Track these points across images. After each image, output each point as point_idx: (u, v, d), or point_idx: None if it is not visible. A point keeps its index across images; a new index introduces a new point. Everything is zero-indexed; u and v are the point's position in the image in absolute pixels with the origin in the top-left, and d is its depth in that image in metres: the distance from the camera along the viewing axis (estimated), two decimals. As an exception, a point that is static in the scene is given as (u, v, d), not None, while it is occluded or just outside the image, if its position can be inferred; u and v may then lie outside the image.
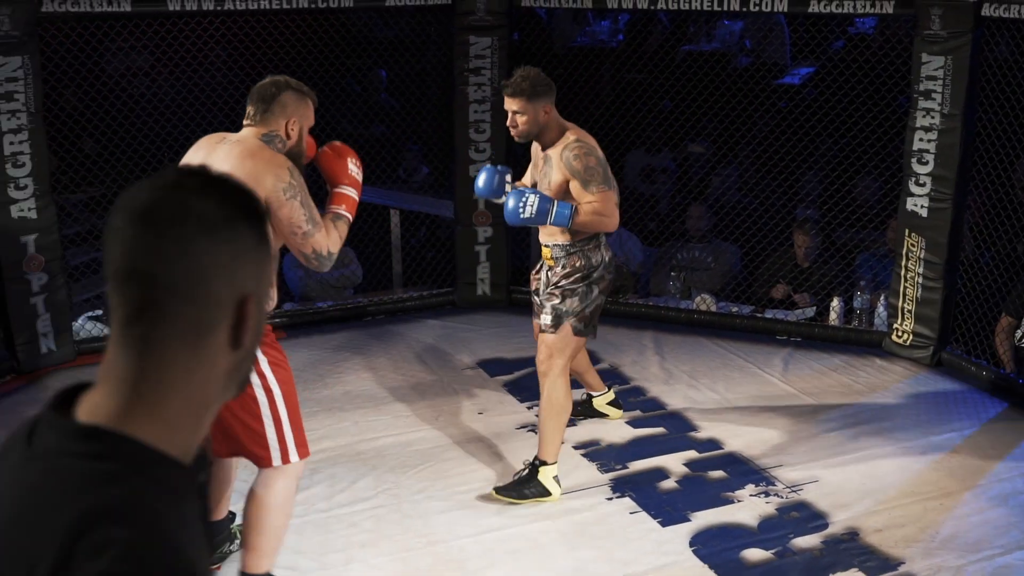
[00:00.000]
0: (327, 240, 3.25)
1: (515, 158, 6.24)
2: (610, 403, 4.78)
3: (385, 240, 6.46)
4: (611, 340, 5.71)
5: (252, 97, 3.28)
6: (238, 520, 3.71)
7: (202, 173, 1.14)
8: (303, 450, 3.35)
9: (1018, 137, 4.99)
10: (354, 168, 3.44)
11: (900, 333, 5.43)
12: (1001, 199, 5.21)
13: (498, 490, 4.08)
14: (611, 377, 5.23)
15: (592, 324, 4.12)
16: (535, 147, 4.17)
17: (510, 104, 3.97)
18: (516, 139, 4.08)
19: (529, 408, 4.87)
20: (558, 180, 3.98)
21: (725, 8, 5.59)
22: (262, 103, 3.24)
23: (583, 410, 4.75)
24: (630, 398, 5.02)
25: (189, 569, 1.03)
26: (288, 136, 3.26)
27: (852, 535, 3.85)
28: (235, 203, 1.13)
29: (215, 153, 3.21)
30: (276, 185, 3.11)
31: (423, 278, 6.45)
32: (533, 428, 4.67)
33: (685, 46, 7.69)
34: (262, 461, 3.31)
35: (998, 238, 5.24)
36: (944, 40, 5.03)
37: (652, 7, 5.73)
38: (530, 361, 5.38)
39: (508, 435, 4.63)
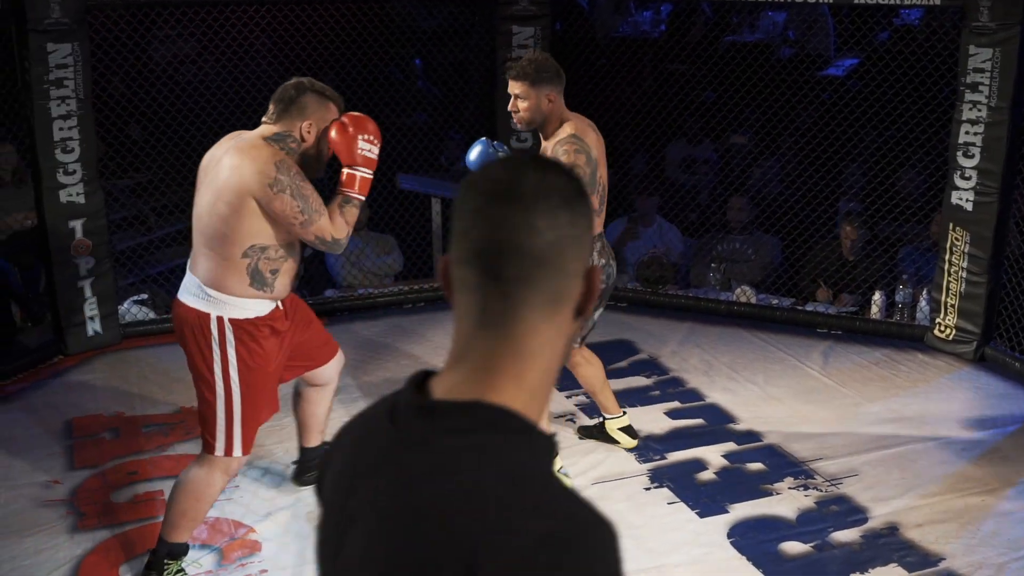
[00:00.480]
0: (330, 226, 3.27)
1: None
2: (623, 429, 4.43)
3: (426, 228, 6.47)
4: (651, 331, 5.69)
5: (274, 96, 3.31)
6: None
7: (540, 156, 1.20)
8: (245, 447, 3.42)
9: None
10: (365, 145, 3.35)
11: (943, 328, 5.37)
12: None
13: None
14: (650, 368, 5.22)
15: (583, 335, 3.96)
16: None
17: (512, 87, 3.82)
18: (517, 126, 3.90)
19: (568, 397, 4.87)
20: None
21: (770, -1, 5.54)
22: (281, 103, 3.28)
23: (595, 434, 4.49)
24: (669, 389, 5.01)
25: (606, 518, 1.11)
26: (303, 139, 3.27)
27: (892, 530, 3.81)
28: (578, 180, 1.19)
29: (219, 149, 3.30)
30: (261, 181, 3.13)
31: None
32: (572, 417, 4.67)
33: (728, 36, 7.63)
34: (207, 446, 3.42)
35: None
36: (992, 32, 4.96)
37: (696, -3, 5.69)
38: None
39: (547, 419, 4.64)
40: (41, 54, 4.90)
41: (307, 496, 4.03)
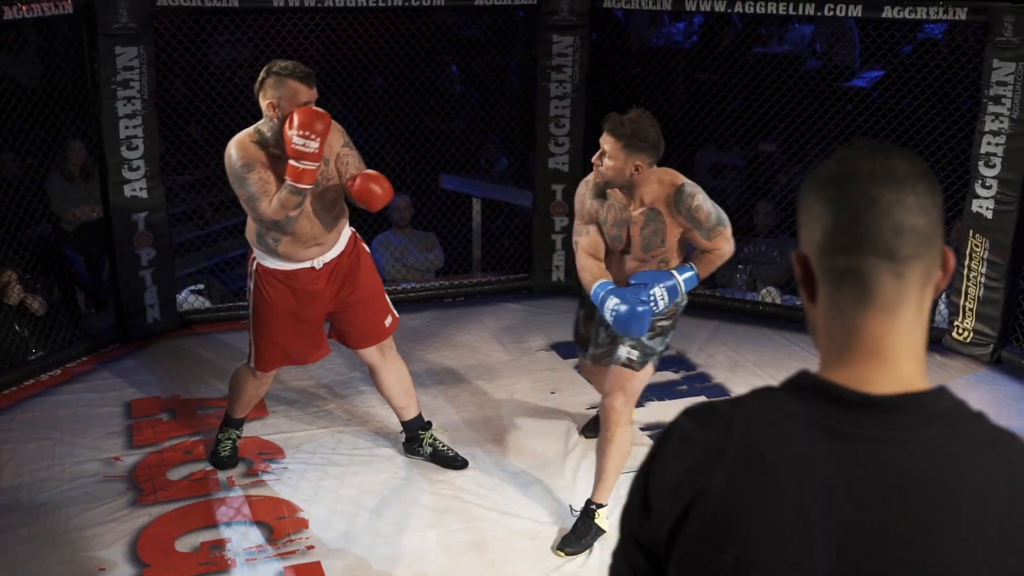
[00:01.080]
0: (269, 210, 3.50)
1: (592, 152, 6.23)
2: None
3: (466, 227, 6.49)
4: (679, 328, 5.64)
5: None
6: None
7: (880, 142, 1.17)
8: (259, 364, 3.90)
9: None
10: (299, 140, 3.37)
11: (961, 330, 5.31)
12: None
13: (564, 550, 3.59)
14: (678, 364, 5.21)
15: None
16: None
17: (604, 141, 3.45)
18: (598, 178, 3.52)
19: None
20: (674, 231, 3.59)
21: (800, 12, 5.50)
22: (257, 93, 3.52)
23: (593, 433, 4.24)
24: (696, 383, 4.99)
25: None
26: (273, 118, 3.48)
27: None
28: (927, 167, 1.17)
29: None
30: (229, 172, 3.56)
31: (500, 264, 6.47)
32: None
33: (757, 48, 7.59)
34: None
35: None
36: (1016, 47, 4.89)
37: (729, 10, 5.66)
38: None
39: (578, 415, 4.63)
40: (110, 57, 4.95)
41: (351, 478, 4.05)
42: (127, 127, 5.09)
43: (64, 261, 5.68)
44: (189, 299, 5.69)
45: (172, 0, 5.06)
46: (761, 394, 1.16)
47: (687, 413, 1.18)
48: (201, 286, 5.80)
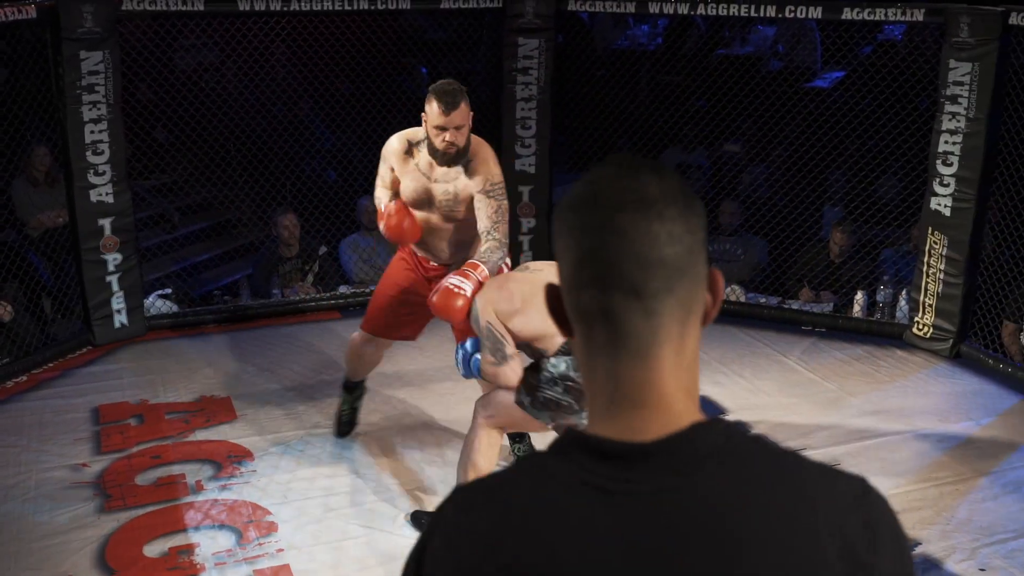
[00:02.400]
0: (375, 197, 3.93)
1: (558, 153, 6.24)
2: None
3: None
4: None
5: None
6: None
7: (634, 158, 1.02)
8: (363, 322, 4.14)
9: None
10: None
11: (921, 326, 5.37)
12: (1022, 200, 5.12)
13: None
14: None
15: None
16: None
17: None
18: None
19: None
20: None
21: (761, 14, 5.54)
22: None
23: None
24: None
25: None
26: (424, 130, 3.70)
27: (871, 516, 3.81)
28: (683, 181, 1.03)
29: None
30: None
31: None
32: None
33: (720, 50, 7.63)
34: None
35: (1018, 237, 5.16)
36: (972, 47, 4.95)
37: (691, 12, 5.69)
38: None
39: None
40: (74, 61, 4.90)
41: (321, 480, 4.04)
42: (92, 132, 5.05)
43: (29, 267, 5.61)
44: (157, 304, 5.64)
45: (137, 4, 5.03)
46: (528, 460, 1.04)
47: (453, 496, 1.04)
48: (168, 290, 5.75)
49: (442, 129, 3.59)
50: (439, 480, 4.02)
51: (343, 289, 6.02)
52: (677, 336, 1.00)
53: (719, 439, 0.98)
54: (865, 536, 0.97)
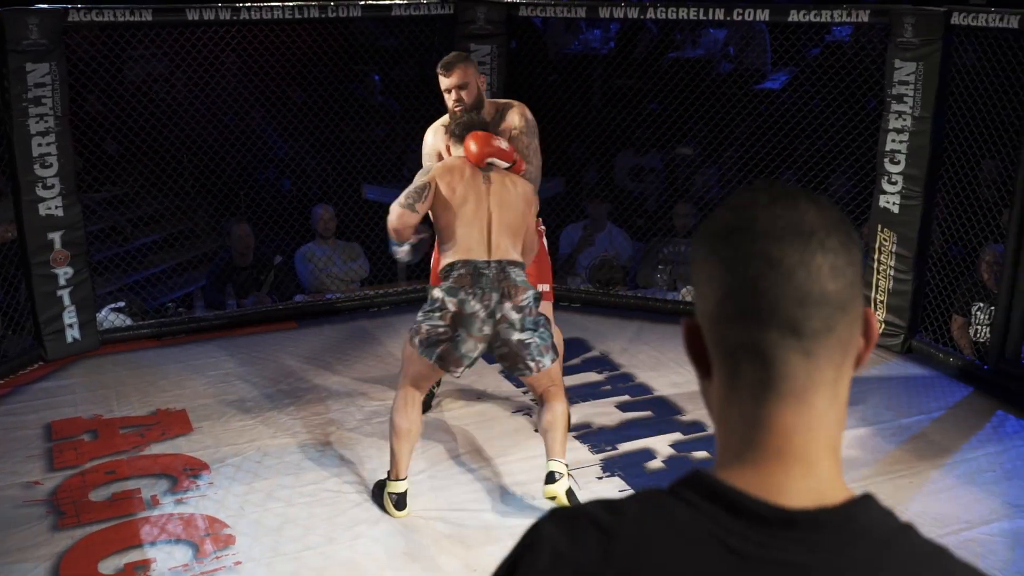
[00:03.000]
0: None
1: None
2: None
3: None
4: (602, 329, 5.72)
5: None
6: None
7: (786, 185, 0.97)
8: None
9: (983, 138, 4.99)
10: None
11: (873, 322, 5.43)
12: (968, 196, 5.21)
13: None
14: (602, 364, 5.24)
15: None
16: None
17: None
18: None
19: (525, 392, 4.87)
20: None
21: (711, 18, 5.59)
22: None
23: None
24: (620, 383, 5.03)
25: None
26: None
27: (828, 511, 3.84)
28: (841, 211, 0.96)
29: None
30: None
31: (426, 271, 6.43)
32: (529, 411, 4.67)
33: (672, 53, 7.67)
34: None
35: (964, 233, 5.24)
36: (916, 47, 5.03)
37: (642, 16, 5.73)
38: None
39: (505, 418, 4.64)
40: (20, 74, 4.83)
41: (278, 491, 4.00)
42: (40, 145, 4.97)
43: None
44: (110, 317, 5.57)
45: (84, 15, 4.96)
46: (647, 500, 0.93)
47: (555, 518, 0.93)
48: (122, 304, 5.68)
49: (447, 92, 4.07)
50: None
51: (299, 298, 5.98)
52: (832, 382, 0.91)
53: (875, 518, 0.90)
54: None
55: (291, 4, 5.45)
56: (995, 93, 4.94)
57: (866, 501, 0.91)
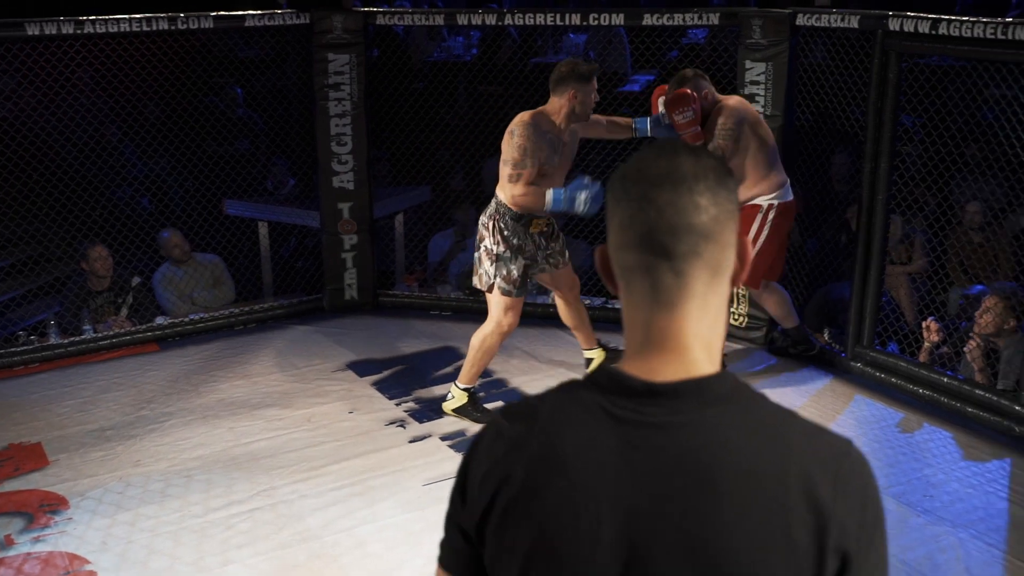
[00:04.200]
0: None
1: (375, 167, 6.19)
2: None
3: (254, 251, 6.32)
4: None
5: None
6: None
7: (680, 142, 1.23)
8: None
9: (832, 134, 5.19)
10: None
11: (736, 316, 5.58)
12: (820, 191, 5.40)
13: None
14: (475, 371, 5.24)
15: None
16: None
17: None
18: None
19: (397, 404, 4.83)
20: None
21: (568, 23, 5.66)
22: None
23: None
24: (493, 389, 5.03)
25: None
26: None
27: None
28: (722, 159, 1.24)
29: None
30: None
31: (294, 286, 6.34)
32: (402, 423, 4.64)
33: (534, 58, 7.74)
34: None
35: (819, 226, 5.43)
36: (765, 48, 5.19)
37: (500, 23, 5.76)
38: (398, 360, 5.36)
39: (377, 432, 4.59)
40: None
41: (143, 522, 3.86)
42: None
43: None
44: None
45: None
46: (564, 388, 1.22)
47: (503, 410, 1.25)
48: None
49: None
50: (265, 521, 3.90)
51: (160, 320, 5.79)
52: (702, 295, 1.18)
53: (724, 390, 1.15)
54: (830, 486, 1.11)
55: (139, 16, 5.29)
56: (841, 90, 5.14)
57: (723, 375, 1.17)
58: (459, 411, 4.65)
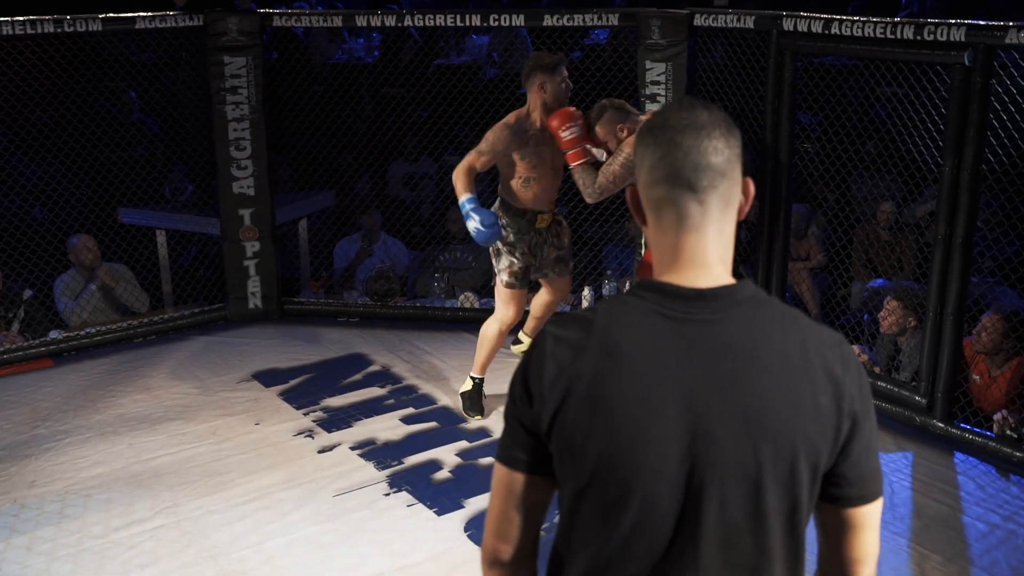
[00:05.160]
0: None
1: (275, 172, 6.10)
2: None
3: (153, 261, 6.16)
4: (382, 343, 5.67)
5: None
6: None
7: (699, 100, 1.48)
8: None
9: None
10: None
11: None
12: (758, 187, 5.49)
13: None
14: (384, 378, 5.20)
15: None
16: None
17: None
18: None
19: (305, 414, 4.76)
20: None
21: (468, 23, 5.65)
22: None
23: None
24: (403, 396, 5.00)
25: None
26: None
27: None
28: (728, 116, 1.48)
29: None
30: None
31: (195, 296, 6.19)
32: (311, 433, 4.57)
33: (437, 60, 7.72)
34: None
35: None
36: (664, 48, 5.26)
37: (399, 23, 5.72)
38: (305, 369, 5.28)
39: (285, 443, 4.51)
40: None
41: (39, 545, 3.72)
42: None
43: None
44: None
45: None
46: (612, 300, 1.49)
47: (553, 322, 1.47)
48: None
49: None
50: (169, 540, 3.81)
51: (54, 334, 5.60)
52: (718, 220, 1.45)
53: (748, 293, 1.45)
54: (840, 364, 1.43)
55: (21, 19, 5.10)
56: (739, 89, 5.24)
57: (745, 282, 1.47)
58: (462, 395, 4.81)
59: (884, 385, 4.66)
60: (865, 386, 1.46)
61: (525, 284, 4.61)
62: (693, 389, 1.38)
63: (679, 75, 5.24)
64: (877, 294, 5.18)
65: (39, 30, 5.16)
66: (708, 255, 1.44)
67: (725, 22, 5.04)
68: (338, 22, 5.77)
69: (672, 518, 1.40)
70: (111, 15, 5.39)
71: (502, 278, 4.59)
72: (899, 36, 4.26)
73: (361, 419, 4.71)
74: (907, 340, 4.81)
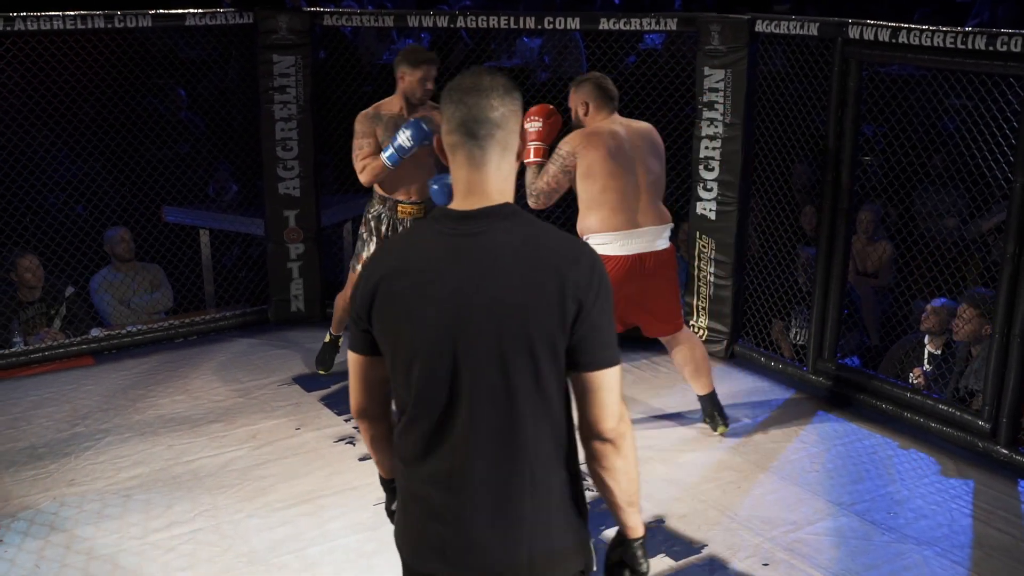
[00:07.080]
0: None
1: (321, 173, 6.15)
2: None
3: (195, 260, 6.25)
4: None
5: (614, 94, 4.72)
6: None
7: (486, 69, 1.98)
8: None
9: (792, 143, 5.27)
10: None
11: (696, 329, 5.63)
12: (781, 200, 5.48)
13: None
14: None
15: None
16: None
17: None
18: None
19: (347, 420, 4.80)
20: None
21: (522, 26, 5.68)
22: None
23: None
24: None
25: None
26: None
27: (659, 522, 3.96)
28: (510, 81, 1.96)
29: (627, 130, 4.59)
30: None
31: (237, 297, 6.27)
32: (351, 440, 4.61)
33: (488, 63, 7.76)
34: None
35: (780, 237, 5.51)
36: (724, 54, 5.26)
37: (452, 25, 5.77)
38: (347, 374, 5.32)
39: (326, 449, 4.56)
40: None
41: (78, 544, 3.80)
42: None
43: None
44: None
45: None
46: (419, 223, 2.16)
47: (379, 246, 2.13)
48: None
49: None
50: (208, 543, 3.86)
51: (95, 332, 5.70)
52: (497, 160, 1.95)
53: (508, 211, 1.94)
54: (570, 262, 1.89)
55: (72, 13, 5.21)
56: (801, 98, 5.22)
57: (507, 204, 1.96)
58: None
59: (946, 408, 4.61)
60: (596, 279, 1.90)
61: None
62: (457, 286, 1.88)
63: (739, 82, 5.23)
64: (936, 313, 5.13)
65: (89, 25, 5.26)
66: (488, 187, 1.94)
67: (788, 29, 5.02)
68: (389, 22, 5.83)
69: (446, 383, 1.90)
70: (161, 11, 5.49)
71: (354, 265, 4.76)
72: (970, 46, 4.22)
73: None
74: (981, 350, 4.75)
